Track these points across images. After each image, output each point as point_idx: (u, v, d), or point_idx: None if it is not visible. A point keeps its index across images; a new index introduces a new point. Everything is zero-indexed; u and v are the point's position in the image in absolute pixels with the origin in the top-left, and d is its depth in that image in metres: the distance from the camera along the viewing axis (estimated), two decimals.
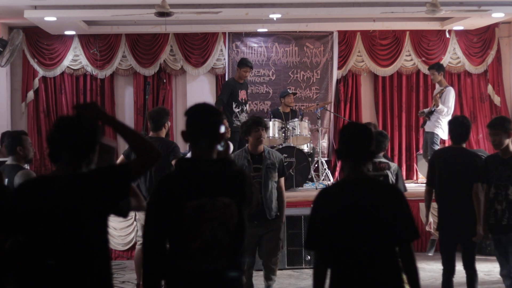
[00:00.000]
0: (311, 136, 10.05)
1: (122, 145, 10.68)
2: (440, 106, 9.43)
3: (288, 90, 10.57)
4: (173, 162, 6.35)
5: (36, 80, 11.06)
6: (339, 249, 3.07)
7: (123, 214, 3.27)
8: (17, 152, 5.21)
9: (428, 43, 11.41)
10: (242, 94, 9.83)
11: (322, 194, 3.23)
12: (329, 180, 10.10)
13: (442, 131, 9.58)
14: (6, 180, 5.06)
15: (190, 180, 2.98)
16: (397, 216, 3.08)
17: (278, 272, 7.08)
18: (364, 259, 3.02)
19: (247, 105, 10.04)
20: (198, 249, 2.92)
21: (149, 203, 3.07)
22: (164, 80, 11.23)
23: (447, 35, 11.30)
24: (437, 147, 9.59)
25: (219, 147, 3.06)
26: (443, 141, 10.42)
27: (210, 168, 3.01)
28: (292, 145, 9.52)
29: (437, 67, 9.87)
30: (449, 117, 9.66)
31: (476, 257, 5.88)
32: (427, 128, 9.76)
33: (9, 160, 5.24)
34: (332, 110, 11.30)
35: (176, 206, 2.93)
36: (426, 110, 9.96)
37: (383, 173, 6.15)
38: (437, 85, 10.03)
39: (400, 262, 3.10)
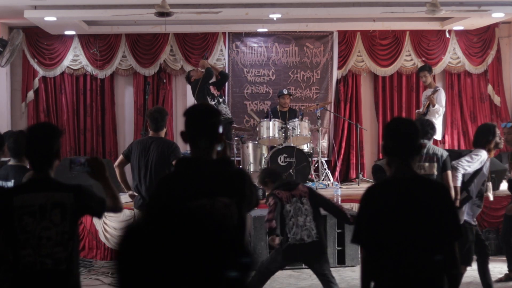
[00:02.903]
0: (311, 136, 10.05)
1: (122, 146, 10.73)
2: (436, 105, 9.44)
3: (284, 90, 10.55)
4: (174, 163, 6.34)
5: (36, 80, 11.07)
6: (385, 246, 3.05)
7: (98, 215, 3.47)
8: (24, 154, 5.18)
9: (428, 43, 11.42)
10: (212, 89, 9.87)
11: (371, 191, 3.21)
12: (329, 180, 10.10)
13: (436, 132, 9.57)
14: (13, 181, 5.05)
15: (190, 180, 2.98)
16: (444, 215, 3.06)
17: (278, 272, 7.08)
18: (410, 257, 3.01)
19: (223, 97, 10.11)
20: None
21: (149, 203, 3.07)
22: (164, 80, 11.23)
23: (447, 35, 11.31)
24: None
25: (218, 147, 3.06)
26: (435, 142, 10.41)
27: (210, 168, 3.01)
28: (292, 145, 9.52)
29: (428, 68, 9.86)
30: (442, 118, 9.69)
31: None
32: None
33: (12, 161, 5.21)
34: (332, 110, 11.30)
35: (176, 206, 2.92)
36: (420, 111, 9.95)
37: None
38: (427, 88, 10.01)
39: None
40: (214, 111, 3.09)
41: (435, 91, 9.62)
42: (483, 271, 5.84)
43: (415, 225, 3.02)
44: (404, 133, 3.15)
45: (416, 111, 10.25)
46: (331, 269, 5.48)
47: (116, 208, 3.49)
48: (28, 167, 5.24)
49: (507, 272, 6.93)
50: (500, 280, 6.89)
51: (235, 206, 2.98)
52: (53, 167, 3.36)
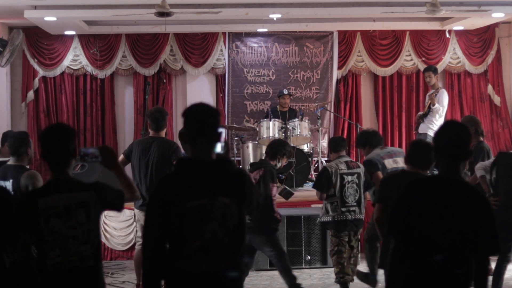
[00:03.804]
0: (311, 136, 10.05)
1: (122, 146, 10.73)
2: (436, 104, 9.44)
3: (284, 91, 10.54)
4: (175, 163, 6.34)
5: (36, 80, 11.06)
6: (417, 241, 3.08)
7: (118, 208, 3.53)
8: (25, 153, 5.19)
9: (428, 43, 11.42)
10: None
11: (413, 187, 3.25)
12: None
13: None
14: (11, 181, 5.05)
15: (190, 180, 2.97)
16: (481, 227, 3.06)
17: (278, 272, 7.09)
18: (441, 260, 3.02)
19: None
20: (198, 249, 2.91)
21: (149, 203, 3.07)
22: (164, 80, 11.23)
23: (447, 35, 11.30)
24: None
25: (220, 150, 3.05)
26: None
27: (210, 168, 3.01)
28: (292, 145, 9.52)
29: (434, 69, 9.88)
30: (442, 119, 9.69)
31: None
32: (421, 129, 9.77)
33: (11, 161, 5.21)
34: (332, 110, 11.30)
35: (176, 206, 2.92)
36: (420, 113, 9.96)
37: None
38: (430, 88, 10.02)
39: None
40: (214, 111, 3.08)
41: (437, 92, 9.63)
42: (499, 270, 5.78)
43: (449, 226, 3.04)
44: (456, 137, 3.20)
45: (418, 114, 10.24)
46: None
47: (134, 197, 3.58)
48: (27, 167, 5.25)
49: None
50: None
51: (235, 206, 2.97)
52: (71, 167, 3.43)
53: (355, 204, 6.29)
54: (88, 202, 3.34)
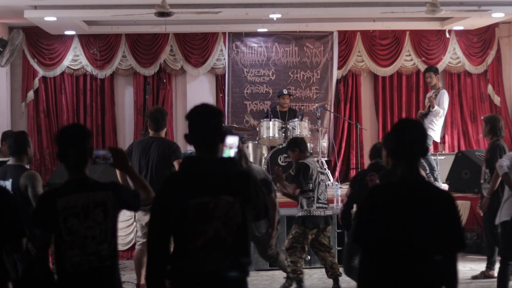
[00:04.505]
0: (311, 136, 10.04)
1: (122, 146, 10.73)
2: (436, 107, 9.42)
3: (284, 90, 10.54)
4: (175, 163, 6.34)
5: (36, 80, 11.06)
6: (384, 249, 3.02)
7: (135, 208, 3.62)
8: (25, 153, 5.19)
9: (428, 43, 11.41)
10: None
11: (376, 192, 3.19)
12: (329, 180, 10.09)
13: (435, 133, 9.59)
14: (11, 180, 5.05)
15: (194, 178, 2.97)
16: (448, 224, 3.02)
17: (278, 272, 7.09)
18: (408, 263, 2.98)
19: None
20: (201, 248, 2.90)
21: (154, 201, 3.08)
22: (164, 80, 11.23)
23: (447, 35, 11.30)
24: (429, 148, 9.58)
25: (233, 155, 3.06)
26: (435, 143, 10.44)
27: (214, 166, 3.01)
28: None
29: (434, 69, 9.86)
30: (443, 119, 9.69)
31: (477, 257, 5.94)
32: None
33: (11, 161, 5.21)
34: (332, 110, 11.30)
35: (179, 203, 2.92)
36: (422, 112, 9.94)
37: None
38: (431, 88, 10.01)
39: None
40: (217, 111, 3.09)
41: (437, 92, 9.61)
42: (505, 272, 5.77)
43: (416, 230, 2.99)
44: (411, 136, 3.11)
45: (419, 112, 10.24)
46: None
47: (149, 198, 3.57)
48: (27, 166, 5.25)
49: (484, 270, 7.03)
50: (475, 277, 6.99)
51: (238, 205, 2.96)
52: (87, 167, 3.44)
53: (326, 202, 6.57)
54: (105, 202, 3.36)
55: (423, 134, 3.14)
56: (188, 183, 2.96)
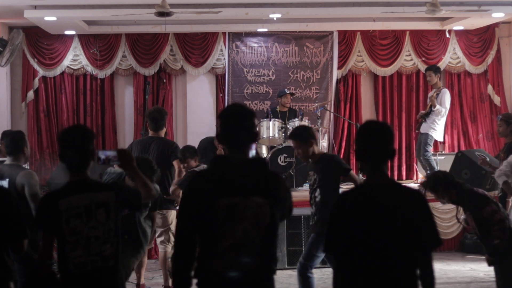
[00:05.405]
0: None
1: (122, 146, 10.73)
2: (438, 106, 9.42)
3: (286, 90, 10.55)
4: (174, 163, 6.34)
5: (36, 80, 11.06)
6: (357, 255, 2.99)
7: (136, 208, 3.75)
8: (22, 152, 5.19)
9: (428, 43, 11.41)
10: None
11: (344, 198, 3.15)
12: None
13: (437, 133, 9.58)
14: (8, 180, 5.05)
15: (224, 178, 2.97)
16: (420, 222, 3.00)
17: (278, 272, 7.07)
18: (384, 265, 2.95)
19: None
20: (229, 248, 2.90)
21: (182, 199, 3.09)
22: (164, 80, 11.23)
23: (447, 35, 11.30)
24: (430, 148, 9.60)
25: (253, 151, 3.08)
26: (435, 143, 10.43)
27: (245, 167, 3.01)
28: (292, 145, 9.50)
29: (435, 69, 9.86)
30: (445, 118, 9.69)
31: (477, 257, 5.90)
32: (422, 129, 9.75)
33: (8, 160, 5.22)
34: (332, 110, 11.30)
35: (208, 203, 2.91)
36: (423, 112, 9.95)
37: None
38: (433, 88, 10.02)
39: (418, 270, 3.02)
40: (250, 112, 3.11)
41: (438, 91, 9.62)
42: None
43: (388, 233, 2.96)
44: (377, 137, 3.09)
45: (420, 113, 10.24)
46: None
47: (149, 195, 3.66)
48: (24, 166, 5.26)
49: None
50: None
51: (268, 207, 2.96)
52: (89, 168, 3.47)
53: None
54: (108, 202, 3.39)
55: (386, 137, 3.10)
56: (219, 183, 2.96)
